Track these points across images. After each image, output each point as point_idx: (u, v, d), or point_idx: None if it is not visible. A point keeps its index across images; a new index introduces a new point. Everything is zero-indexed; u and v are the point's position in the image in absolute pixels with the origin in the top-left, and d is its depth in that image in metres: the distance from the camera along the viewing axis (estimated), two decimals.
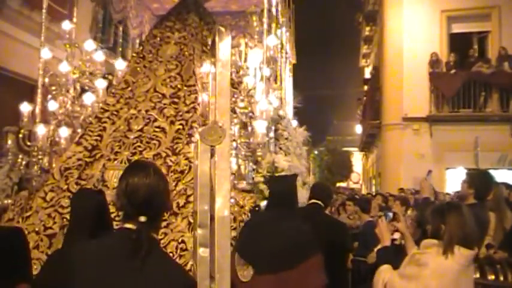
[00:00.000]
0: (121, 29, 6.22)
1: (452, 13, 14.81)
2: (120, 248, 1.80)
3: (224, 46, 2.58)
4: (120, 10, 5.59)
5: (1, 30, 8.83)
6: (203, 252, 2.12)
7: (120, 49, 6.80)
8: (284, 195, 3.07)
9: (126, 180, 1.88)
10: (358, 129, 23.16)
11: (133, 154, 3.79)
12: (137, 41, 6.23)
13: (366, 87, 18.37)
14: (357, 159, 26.64)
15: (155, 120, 3.99)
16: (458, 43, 14.82)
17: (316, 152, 21.32)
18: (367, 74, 22.16)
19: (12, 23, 9.04)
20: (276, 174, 3.58)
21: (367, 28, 21.71)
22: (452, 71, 14.11)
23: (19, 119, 4.39)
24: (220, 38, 2.57)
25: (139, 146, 3.84)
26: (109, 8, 5.44)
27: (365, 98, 18.39)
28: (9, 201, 4.05)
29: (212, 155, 2.25)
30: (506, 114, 13.57)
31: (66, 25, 4.62)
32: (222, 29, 2.61)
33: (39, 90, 4.55)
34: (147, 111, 4.05)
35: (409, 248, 3.30)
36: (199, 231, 2.19)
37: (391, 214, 3.81)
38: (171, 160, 3.77)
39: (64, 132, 4.08)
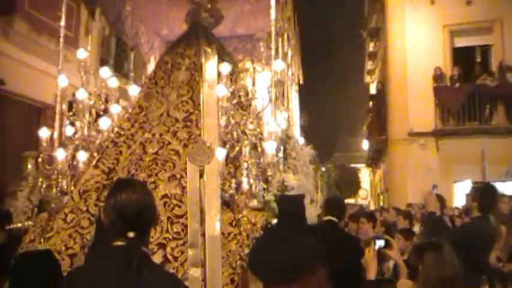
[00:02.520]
0: (132, 54, 6.45)
1: (455, 27, 15.00)
2: (112, 266, 1.83)
3: (210, 67, 2.68)
4: (132, 36, 5.81)
5: (8, 54, 8.92)
6: (194, 272, 2.16)
7: (132, 74, 7.03)
8: (293, 214, 3.21)
9: (115, 197, 1.95)
10: (365, 145, 23.23)
11: (149, 176, 3.96)
12: (150, 66, 6.44)
13: (371, 103, 18.49)
14: (364, 175, 26.64)
15: (169, 143, 4.17)
16: (462, 57, 14.98)
17: (323, 169, 21.38)
18: (373, 90, 22.29)
19: (19, 47, 9.09)
20: (285, 194, 3.70)
21: (371, 44, 21.93)
22: (457, 85, 14.23)
23: (27, 140, 4.58)
24: (206, 59, 2.68)
25: (154, 168, 4.01)
26: (122, 34, 5.67)
27: (370, 114, 18.51)
28: (30, 223, 4.22)
29: (201, 175, 2.31)
30: None
31: (81, 53, 4.81)
32: (208, 50, 2.73)
33: (57, 116, 4.79)
34: (161, 134, 4.24)
35: (401, 276, 3.22)
36: (190, 251, 2.24)
37: (381, 242, 3.31)
38: (185, 181, 3.92)
39: (82, 156, 4.27)
